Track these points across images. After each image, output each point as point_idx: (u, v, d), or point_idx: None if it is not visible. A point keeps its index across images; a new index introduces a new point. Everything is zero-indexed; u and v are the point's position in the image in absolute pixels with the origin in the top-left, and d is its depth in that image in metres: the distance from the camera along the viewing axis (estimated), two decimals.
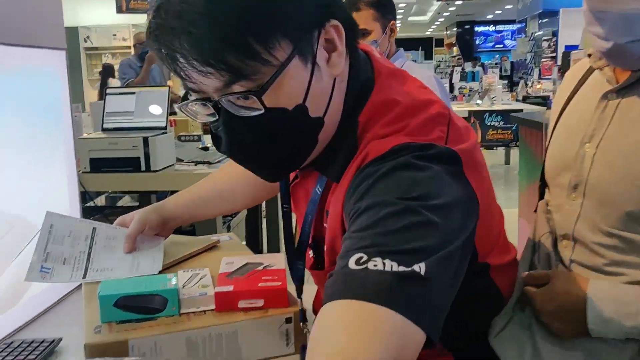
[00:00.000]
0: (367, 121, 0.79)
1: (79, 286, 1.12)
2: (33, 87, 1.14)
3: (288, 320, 0.91)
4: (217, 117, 0.75)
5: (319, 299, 1.06)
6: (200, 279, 1.01)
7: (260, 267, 1.00)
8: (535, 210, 1.13)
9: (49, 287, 1.13)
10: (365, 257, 0.60)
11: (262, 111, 0.72)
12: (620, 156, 0.95)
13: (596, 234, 0.97)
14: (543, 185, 1.13)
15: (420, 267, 0.60)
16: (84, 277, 1.05)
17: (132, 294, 0.90)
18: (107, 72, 9.22)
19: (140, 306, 0.90)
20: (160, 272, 1.07)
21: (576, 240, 1.01)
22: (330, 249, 0.84)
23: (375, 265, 0.59)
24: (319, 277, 0.92)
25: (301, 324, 0.92)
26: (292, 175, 0.96)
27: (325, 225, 0.84)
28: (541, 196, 1.13)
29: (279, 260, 1.03)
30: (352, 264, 0.60)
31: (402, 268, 0.59)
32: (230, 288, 0.92)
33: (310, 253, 0.90)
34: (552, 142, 1.10)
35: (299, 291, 0.94)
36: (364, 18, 2.02)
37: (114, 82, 8.17)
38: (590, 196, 0.98)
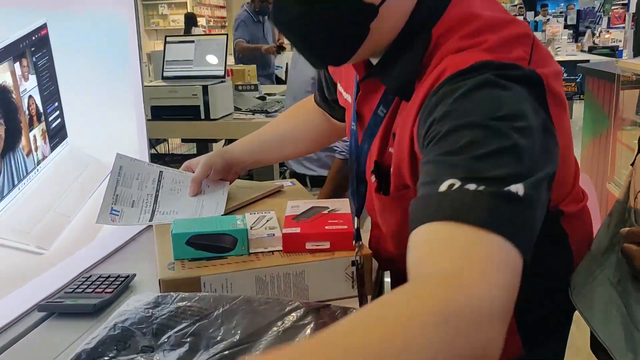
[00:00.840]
0: (441, 35, 0.74)
1: (149, 225, 1.16)
2: (104, 31, 1.16)
3: (354, 263, 0.91)
4: None
5: (374, 236, 1.06)
6: (267, 221, 1.03)
7: (326, 211, 1.01)
8: (633, 164, 1.06)
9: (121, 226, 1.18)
10: (458, 184, 0.55)
11: None
12: None
13: None
14: None
15: (517, 188, 0.55)
16: (151, 219, 1.09)
17: (204, 233, 0.92)
18: (190, 20, 9.32)
19: (211, 245, 0.92)
20: (227, 214, 1.10)
21: None
22: (396, 172, 0.80)
23: (469, 189, 0.55)
24: (382, 203, 0.88)
25: (354, 242, 0.90)
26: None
27: (390, 149, 0.81)
28: None
29: (345, 205, 1.03)
30: (443, 189, 0.56)
31: (498, 189, 0.55)
32: (298, 230, 0.93)
33: (373, 178, 0.86)
34: None
35: (359, 213, 0.92)
36: None
37: (196, 31, 8.20)
38: None
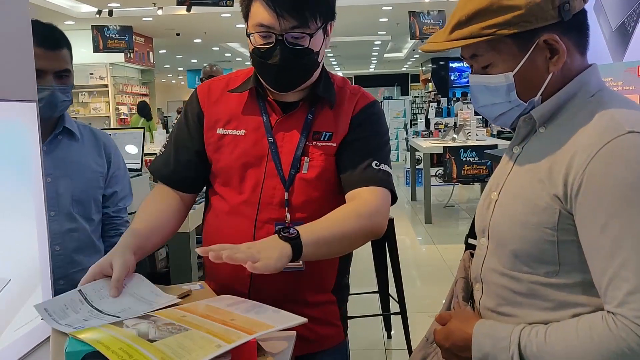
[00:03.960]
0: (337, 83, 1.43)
1: (47, 340, 1.10)
2: (1, 141, 1.13)
3: None
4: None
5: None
6: None
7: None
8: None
9: (14, 342, 1.11)
10: (378, 163, 1.33)
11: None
12: (510, 198, 1.02)
13: (494, 274, 1.03)
14: (469, 236, 1.20)
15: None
16: (120, 317, 1.06)
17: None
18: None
19: None
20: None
21: (483, 283, 1.07)
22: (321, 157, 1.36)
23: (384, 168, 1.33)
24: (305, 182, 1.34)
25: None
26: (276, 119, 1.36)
27: (312, 143, 1.33)
28: (469, 246, 1.21)
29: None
30: (373, 166, 1.31)
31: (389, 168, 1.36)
32: None
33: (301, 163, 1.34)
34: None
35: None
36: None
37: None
38: (491, 239, 1.05)
